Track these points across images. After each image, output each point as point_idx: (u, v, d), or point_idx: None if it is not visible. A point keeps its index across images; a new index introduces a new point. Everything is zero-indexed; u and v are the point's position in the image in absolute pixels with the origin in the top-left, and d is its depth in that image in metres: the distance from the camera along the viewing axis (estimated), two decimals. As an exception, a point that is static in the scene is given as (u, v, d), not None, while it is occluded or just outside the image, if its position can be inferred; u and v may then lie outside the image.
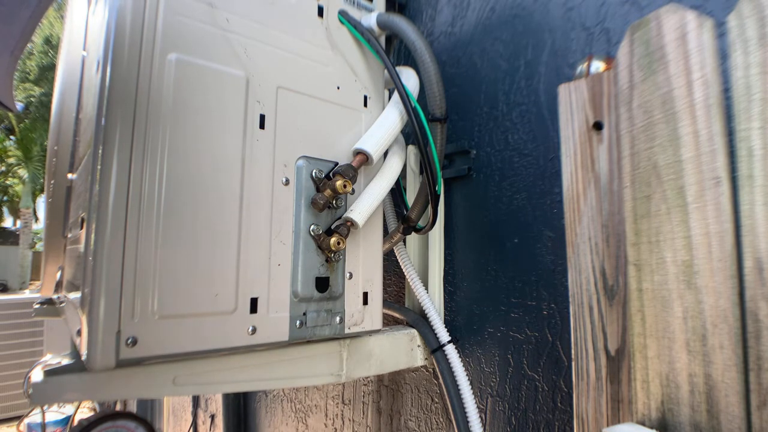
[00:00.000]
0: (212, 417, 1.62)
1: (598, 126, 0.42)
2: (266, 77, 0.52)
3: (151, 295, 0.42)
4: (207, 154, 0.47)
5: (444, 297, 0.75)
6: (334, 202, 0.56)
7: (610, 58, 0.43)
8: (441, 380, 0.68)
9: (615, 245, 0.40)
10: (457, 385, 0.67)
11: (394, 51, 0.79)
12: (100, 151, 0.41)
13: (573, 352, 0.43)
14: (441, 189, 0.63)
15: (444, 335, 0.69)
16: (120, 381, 0.45)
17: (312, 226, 0.54)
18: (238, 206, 0.49)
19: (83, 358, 0.40)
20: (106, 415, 0.73)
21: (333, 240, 0.54)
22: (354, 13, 0.62)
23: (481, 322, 0.68)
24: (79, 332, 0.43)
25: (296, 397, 1.17)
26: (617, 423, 0.39)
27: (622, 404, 0.39)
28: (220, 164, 0.48)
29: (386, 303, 0.76)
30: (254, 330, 0.49)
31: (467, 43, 0.74)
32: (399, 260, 0.75)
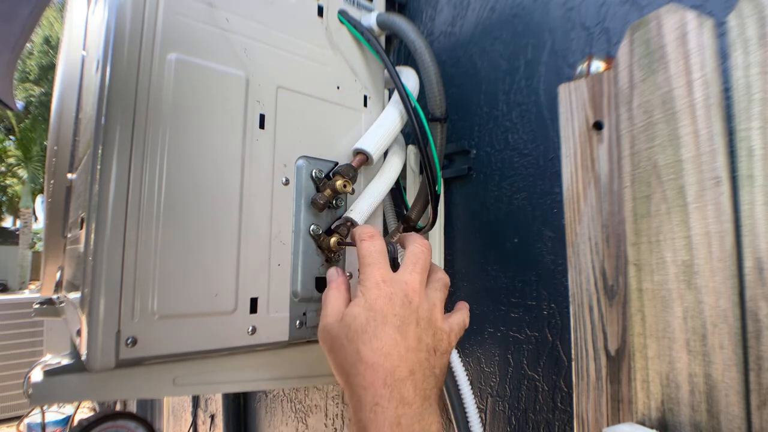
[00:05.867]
0: (212, 417, 1.62)
1: (598, 126, 0.42)
2: (266, 77, 0.52)
3: (150, 295, 0.42)
4: (207, 154, 0.47)
5: (444, 297, 0.75)
6: (334, 202, 0.56)
7: (610, 58, 0.43)
8: (441, 380, 0.68)
9: (615, 245, 0.40)
10: (457, 385, 0.67)
11: (394, 51, 0.79)
12: (99, 151, 0.41)
13: (573, 352, 0.43)
14: (441, 189, 0.63)
15: (444, 335, 0.69)
16: (120, 381, 0.45)
17: (312, 226, 0.54)
18: (237, 206, 0.49)
19: (83, 358, 0.40)
20: (106, 415, 0.73)
21: (333, 240, 0.54)
22: (354, 12, 0.62)
23: (481, 322, 0.68)
24: (78, 332, 0.43)
25: (296, 397, 1.17)
26: (617, 423, 0.39)
27: (622, 404, 0.39)
28: (220, 164, 0.48)
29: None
30: (254, 330, 0.49)
31: (467, 43, 0.74)
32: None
